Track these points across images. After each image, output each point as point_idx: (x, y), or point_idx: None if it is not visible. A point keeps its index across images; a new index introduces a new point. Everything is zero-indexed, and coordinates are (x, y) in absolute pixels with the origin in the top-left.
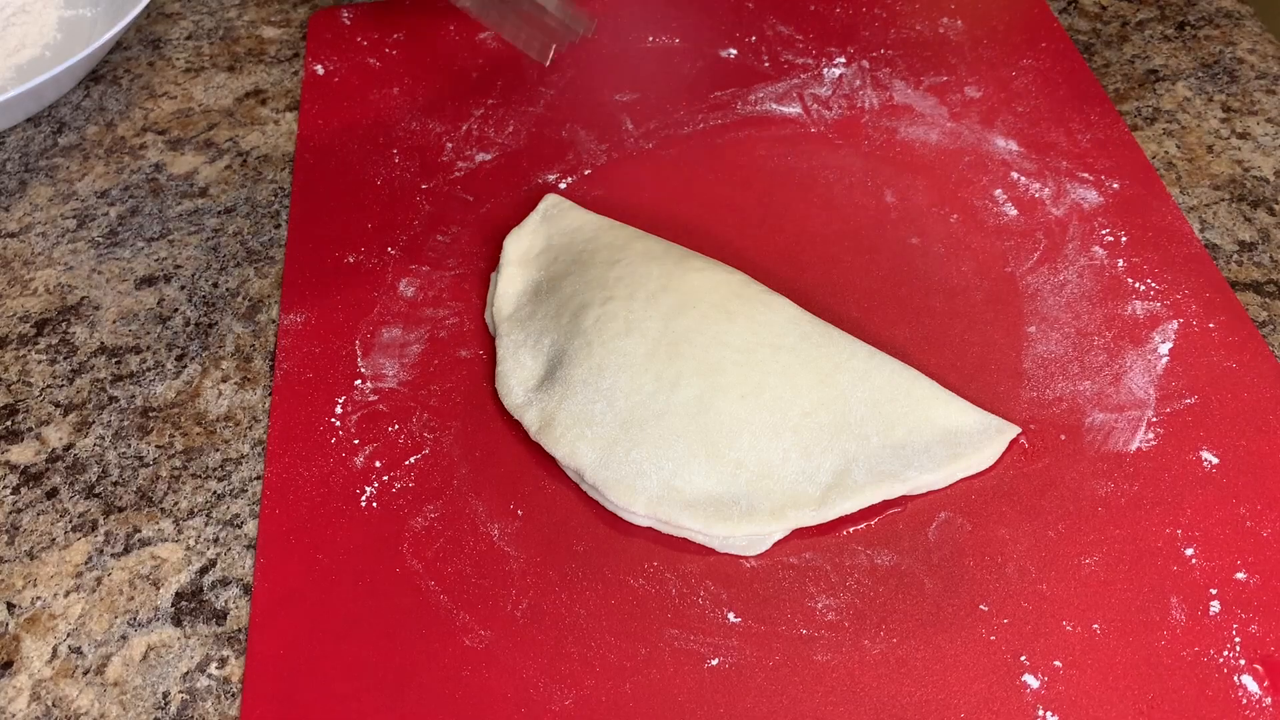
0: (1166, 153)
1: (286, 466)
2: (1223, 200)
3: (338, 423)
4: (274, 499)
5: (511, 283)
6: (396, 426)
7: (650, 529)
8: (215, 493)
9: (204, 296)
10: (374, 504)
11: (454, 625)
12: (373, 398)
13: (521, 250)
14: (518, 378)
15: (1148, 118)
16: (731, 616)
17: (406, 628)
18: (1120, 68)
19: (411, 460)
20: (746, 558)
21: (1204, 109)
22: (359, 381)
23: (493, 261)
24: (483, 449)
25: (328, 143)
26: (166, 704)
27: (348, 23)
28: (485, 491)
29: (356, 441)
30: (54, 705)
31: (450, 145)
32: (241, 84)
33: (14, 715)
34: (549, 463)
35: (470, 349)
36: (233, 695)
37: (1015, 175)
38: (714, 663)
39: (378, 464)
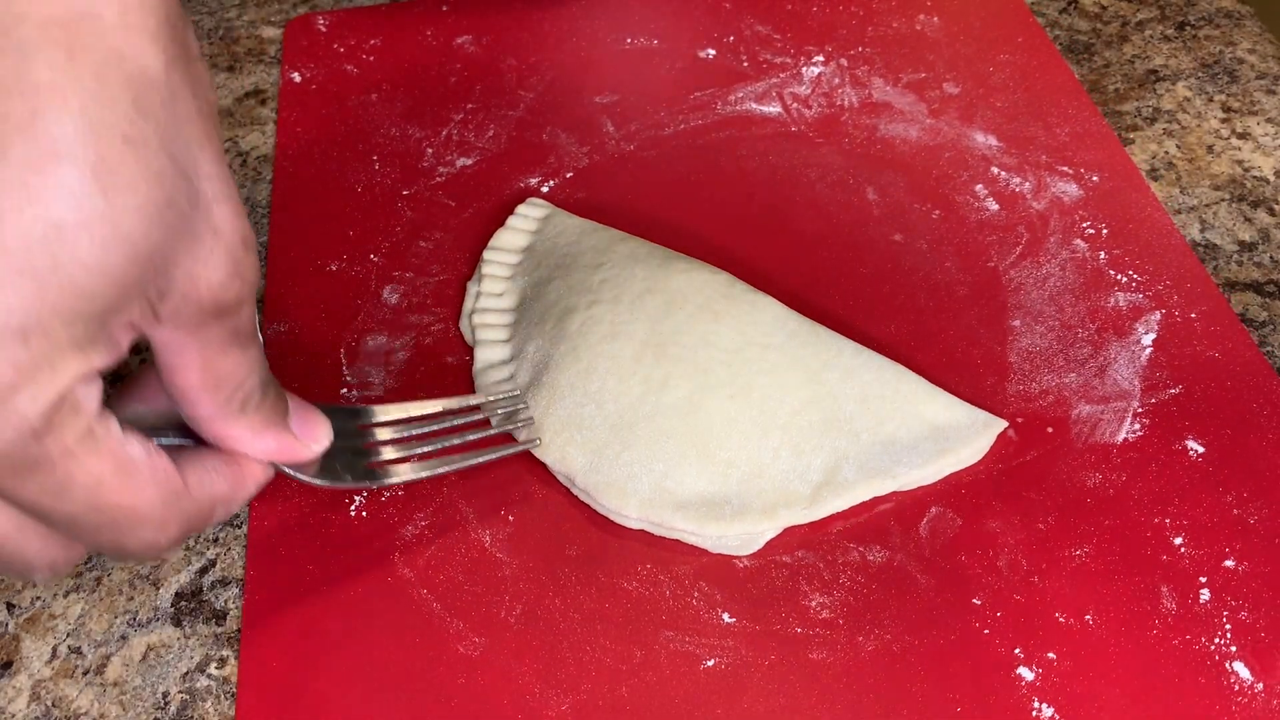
0: (1166, 153)
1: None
2: (1223, 200)
3: None
4: (262, 510)
5: (494, 289)
6: None
7: (642, 531)
8: None
9: None
10: (363, 513)
11: (448, 633)
12: None
13: (503, 256)
14: None
15: (1148, 118)
16: (726, 617)
17: (400, 637)
18: (1120, 68)
19: None
20: (739, 558)
21: (1204, 109)
22: (345, 390)
23: (476, 266)
24: None
25: (306, 151)
26: (166, 704)
27: (324, 29)
28: (475, 498)
29: None
30: (54, 705)
31: (430, 150)
32: (241, 84)
33: (14, 715)
34: (539, 467)
35: (456, 355)
36: (232, 695)
37: (995, 170)
38: (710, 663)
39: None
